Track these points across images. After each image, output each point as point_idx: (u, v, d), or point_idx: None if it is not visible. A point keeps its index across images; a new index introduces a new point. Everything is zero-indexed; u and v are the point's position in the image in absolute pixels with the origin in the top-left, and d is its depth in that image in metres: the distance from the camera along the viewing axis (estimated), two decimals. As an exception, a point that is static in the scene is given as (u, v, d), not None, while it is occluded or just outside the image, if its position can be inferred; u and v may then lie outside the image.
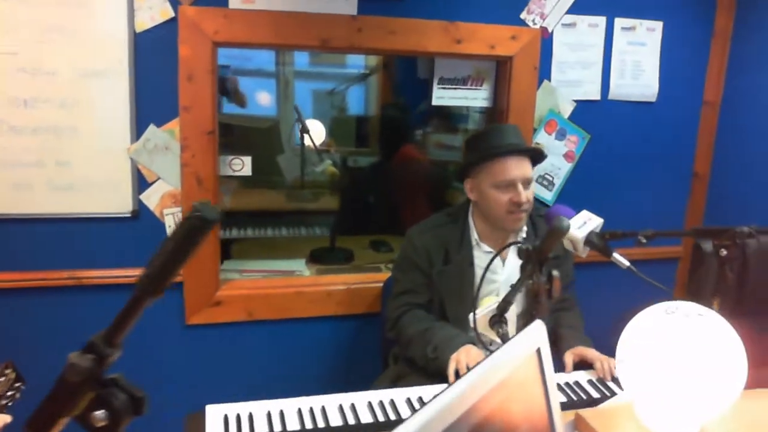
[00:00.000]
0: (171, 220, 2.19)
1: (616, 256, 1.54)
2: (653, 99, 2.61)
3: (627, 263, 1.51)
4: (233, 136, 3.86)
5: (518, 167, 1.89)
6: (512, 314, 1.31)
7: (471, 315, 1.45)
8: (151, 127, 2.12)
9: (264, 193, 3.70)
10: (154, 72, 2.09)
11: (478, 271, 2.00)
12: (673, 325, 1.20)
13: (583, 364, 1.86)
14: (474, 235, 2.01)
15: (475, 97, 2.49)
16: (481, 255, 2.01)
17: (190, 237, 0.64)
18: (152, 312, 2.20)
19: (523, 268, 1.25)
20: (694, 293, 1.48)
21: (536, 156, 1.98)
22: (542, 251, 1.22)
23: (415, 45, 2.27)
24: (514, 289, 1.31)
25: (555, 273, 1.23)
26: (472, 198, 2.01)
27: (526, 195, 1.90)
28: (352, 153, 3.78)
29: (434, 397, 0.64)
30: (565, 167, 2.56)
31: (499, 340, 1.39)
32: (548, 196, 2.57)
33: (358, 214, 3.14)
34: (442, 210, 2.12)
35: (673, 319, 1.21)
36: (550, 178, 2.56)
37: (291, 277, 2.48)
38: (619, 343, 1.35)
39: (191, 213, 0.63)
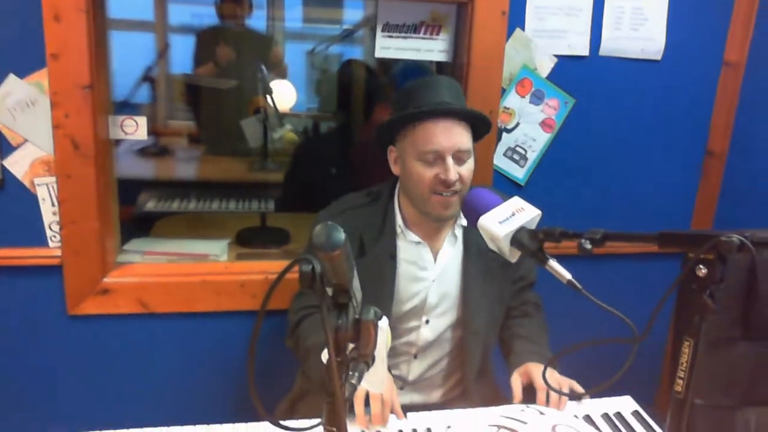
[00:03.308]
0: (44, 191, 1.81)
1: (554, 264, 1.09)
2: (658, 57, 2.09)
3: (568, 276, 1.07)
4: (198, 97, 3.49)
5: (448, 134, 1.44)
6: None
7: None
8: (11, 78, 1.73)
9: (224, 161, 3.31)
10: (10, 7, 1.68)
11: (402, 267, 1.57)
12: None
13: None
14: (398, 221, 1.58)
15: (429, 49, 2.01)
16: (406, 246, 1.58)
17: None
18: (30, 297, 1.80)
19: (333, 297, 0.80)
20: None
21: (479, 122, 1.52)
22: (329, 280, 0.76)
23: (347, -20, 1.82)
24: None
25: (369, 316, 0.78)
26: (395, 171, 1.58)
27: (457, 172, 1.45)
28: (326, 118, 3.33)
29: None
30: (543, 138, 2.08)
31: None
32: (519, 174, 2.09)
33: (313, 187, 2.71)
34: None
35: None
36: (523, 152, 2.08)
37: (202, 262, 2.08)
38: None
39: None
